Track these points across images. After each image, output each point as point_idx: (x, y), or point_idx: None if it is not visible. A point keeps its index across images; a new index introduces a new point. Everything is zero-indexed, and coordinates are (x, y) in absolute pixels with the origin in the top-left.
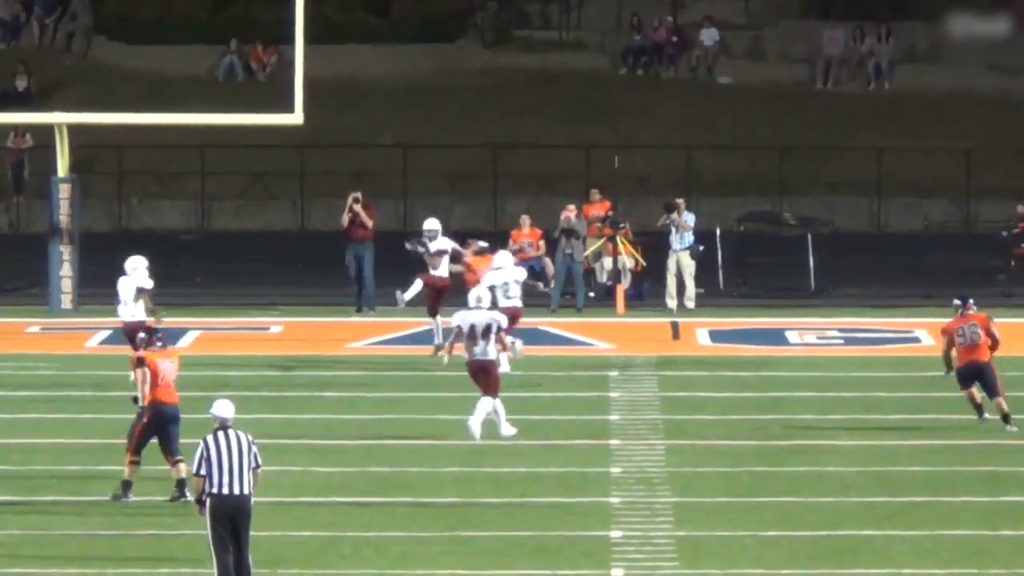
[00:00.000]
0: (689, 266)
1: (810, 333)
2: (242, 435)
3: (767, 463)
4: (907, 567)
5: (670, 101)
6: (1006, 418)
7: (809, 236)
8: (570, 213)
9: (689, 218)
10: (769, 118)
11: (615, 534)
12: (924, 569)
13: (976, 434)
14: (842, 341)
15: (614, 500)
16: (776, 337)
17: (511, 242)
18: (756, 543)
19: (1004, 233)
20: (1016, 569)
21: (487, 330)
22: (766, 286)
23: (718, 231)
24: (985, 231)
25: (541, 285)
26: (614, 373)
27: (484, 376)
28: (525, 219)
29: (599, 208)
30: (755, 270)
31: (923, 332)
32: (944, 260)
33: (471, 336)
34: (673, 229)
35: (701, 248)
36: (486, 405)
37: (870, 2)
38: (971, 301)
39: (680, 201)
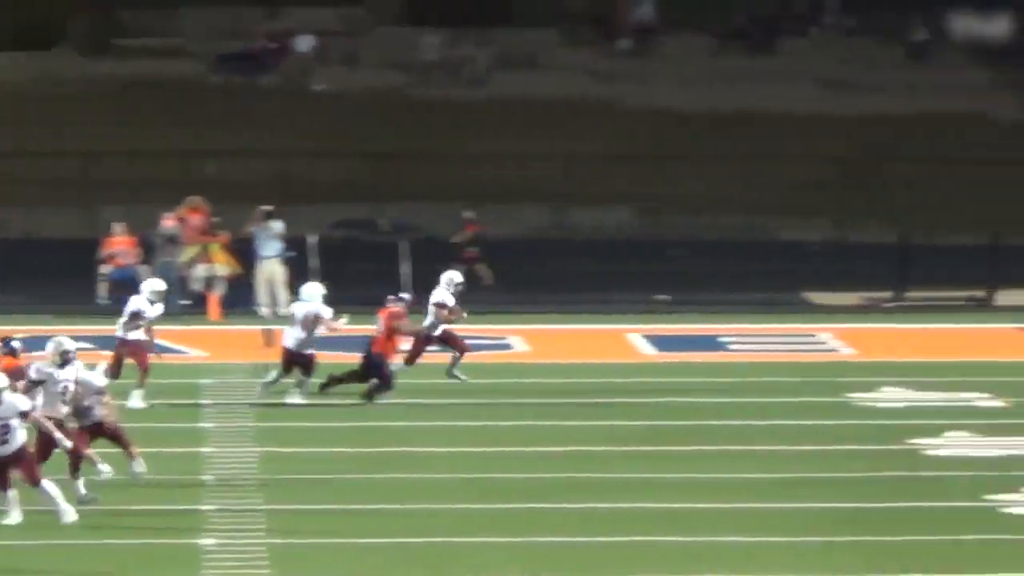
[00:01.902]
0: (280, 273)
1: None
2: None
3: (362, 470)
4: (498, 574)
5: (266, 108)
6: None
7: (403, 243)
8: (170, 220)
9: (277, 226)
10: (365, 124)
11: (207, 541)
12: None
13: (576, 441)
14: (436, 348)
15: (206, 507)
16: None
17: (103, 249)
18: (351, 550)
19: (453, 240)
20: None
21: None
22: (360, 292)
23: (312, 239)
24: (582, 237)
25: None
26: (207, 381)
27: None
28: (118, 226)
29: (196, 215)
30: (350, 277)
31: (517, 339)
32: (538, 266)
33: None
34: (262, 236)
35: (292, 255)
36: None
37: (466, 9)
38: None
39: (268, 208)
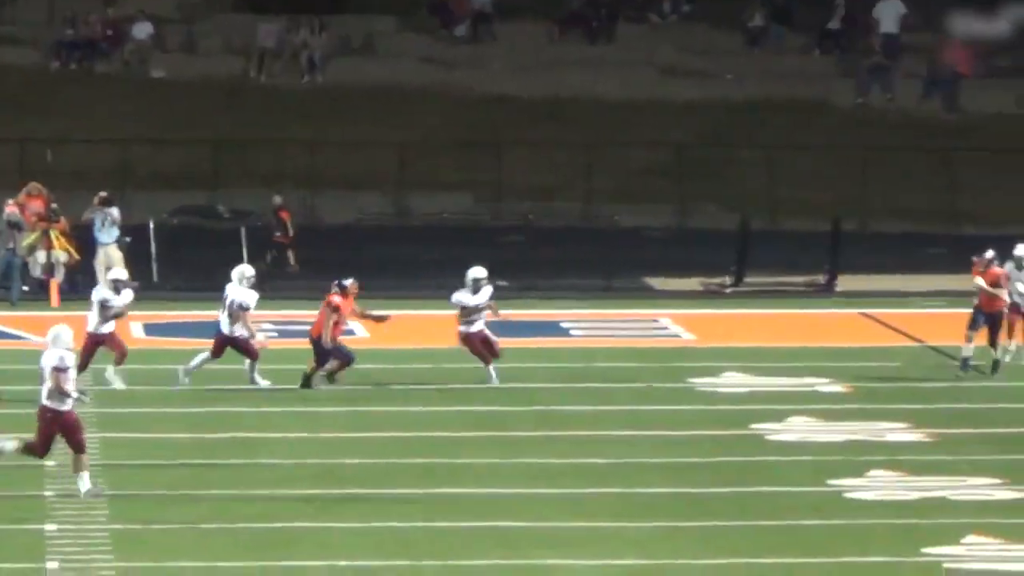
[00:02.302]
0: (118, 259)
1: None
2: None
3: (204, 456)
4: (343, 558)
5: (104, 95)
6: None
7: (243, 229)
8: (13, 207)
9: (115, 212)
10: (204, 111)
11: (49, 527)
12: (360, 560)
13: (420, 427)
14: (276, 334)
15: (48, 493)
16: (211, 330)
17: None
18: (194, 535)
19: (260, 223)
20: (448, 560)
21: None
22: (200, 279)
23: (151, 224)
24: (419, 224)
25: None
26: None
27: None
28: None
29: (37, 202)
30: (189, 263)
31: (356, 325)
32: (377, 253)
33: None
34: (99, 222)
35: (127, 240)
36: None
37: None
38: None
39: (106, 194)
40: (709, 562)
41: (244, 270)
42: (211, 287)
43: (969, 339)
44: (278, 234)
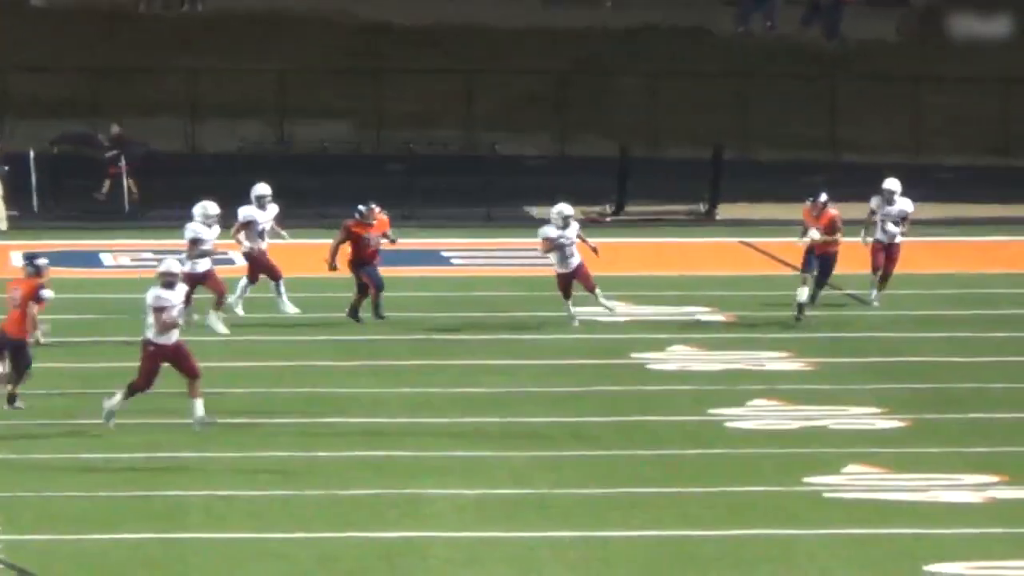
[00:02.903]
0: None
1: (124, 255)
2: None
3: (83, 385)
4: (223, 488)
5: None
6: None
7: (123, 157)
8: None
9: None
10: (84, 40)
11: None
12: (240, 491)
13: (300, 356)
14: (157, 263)
15: None
16: (91, 259)
17: None
18: (75, 465)
19: (109, 154)
20: (329, 490)
21: None
22: (80, 208)
23: (32, 153)
24: (301, 152)
25: None
26: None
27: None
28: None
29: None
30: (70, 192)
31: (236, 254)
32: (259, 180)
33: None
34: None
35: (6, 168)
36: None
37: None
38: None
39: None
40: (590, 491)
41: (206, 206)
42: (90, 216)
43: (805, 282)
44: (117, 164)
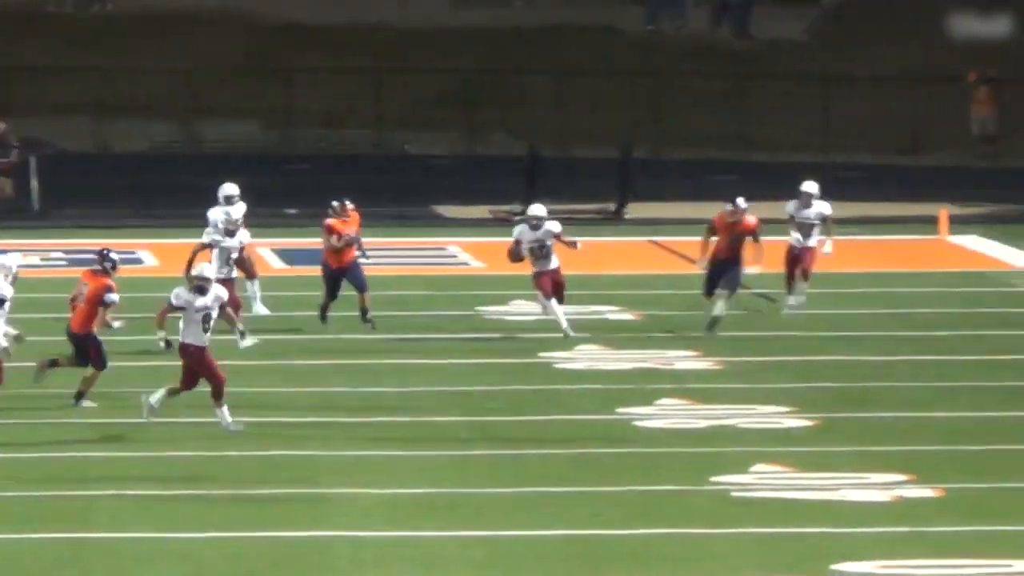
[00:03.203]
0: None
1: (34, 255)
2: None
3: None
4: (131, 488)
5: None
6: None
7: (33, 158)
8: None
9: None
10: None
11: None
12: (149, 491)
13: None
14: (66, 263)
15: None
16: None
17: None
18: None
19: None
20: (239, 490)
21: None
22: None
23: None
24: (210, 150)
25: None
26: None
27: None
28: None
29: None
30: None
31: (146, 253)
32: (167, 179)
33: None
34: None
35: None
36: None
37: None
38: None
39: None
40: (499, 491)
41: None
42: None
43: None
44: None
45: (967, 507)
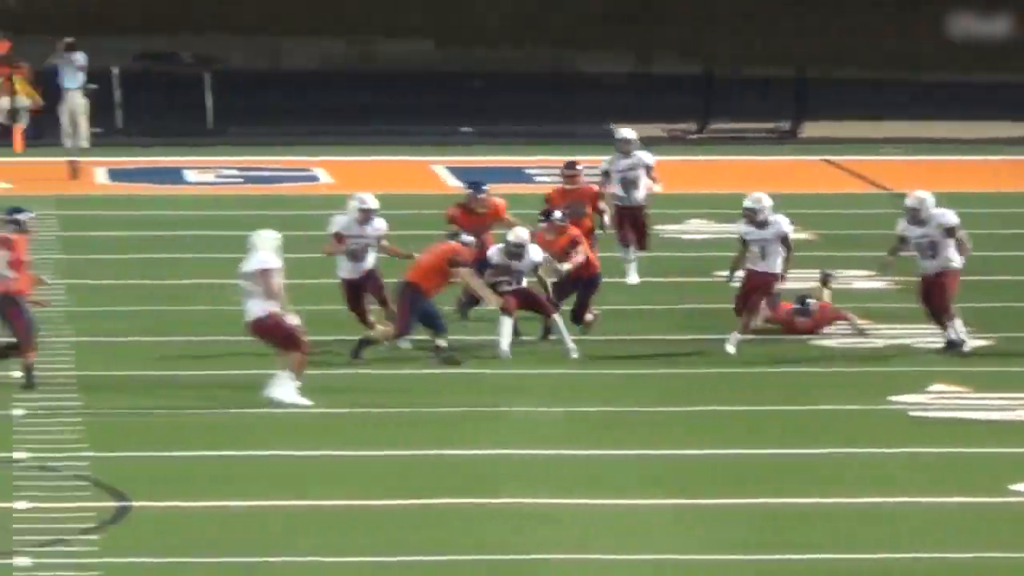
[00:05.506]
0: (82, 105)
1: (208, 172)
2: None
3: (172, 303)
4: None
5: None
6: None
7: (207, 75)
8: None
9: (80, 57)
10: None
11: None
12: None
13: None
14: (241, 180)
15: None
16: (175, 176)
17: None
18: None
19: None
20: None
21: None
22: (164, 125)
23: (115, 70)
24: (384, 68)
25: None
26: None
27: None
28: None
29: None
30: (153, 109)
31: (321, 171)
32: (340, 97)
33: None
34: (64, 68)
35: (94, 87)
36: None
37: None
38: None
39: (71, 40)
40: (673, 409)
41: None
42: (174, 132)
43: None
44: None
45: None
